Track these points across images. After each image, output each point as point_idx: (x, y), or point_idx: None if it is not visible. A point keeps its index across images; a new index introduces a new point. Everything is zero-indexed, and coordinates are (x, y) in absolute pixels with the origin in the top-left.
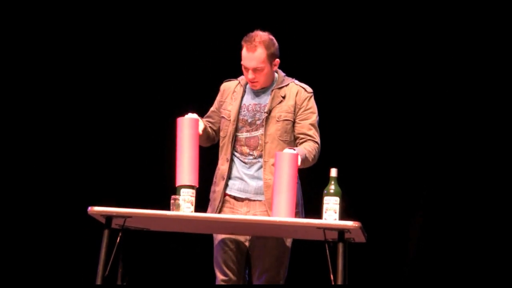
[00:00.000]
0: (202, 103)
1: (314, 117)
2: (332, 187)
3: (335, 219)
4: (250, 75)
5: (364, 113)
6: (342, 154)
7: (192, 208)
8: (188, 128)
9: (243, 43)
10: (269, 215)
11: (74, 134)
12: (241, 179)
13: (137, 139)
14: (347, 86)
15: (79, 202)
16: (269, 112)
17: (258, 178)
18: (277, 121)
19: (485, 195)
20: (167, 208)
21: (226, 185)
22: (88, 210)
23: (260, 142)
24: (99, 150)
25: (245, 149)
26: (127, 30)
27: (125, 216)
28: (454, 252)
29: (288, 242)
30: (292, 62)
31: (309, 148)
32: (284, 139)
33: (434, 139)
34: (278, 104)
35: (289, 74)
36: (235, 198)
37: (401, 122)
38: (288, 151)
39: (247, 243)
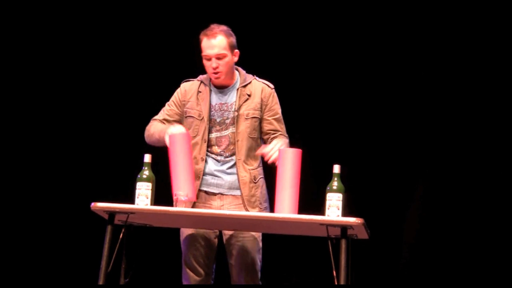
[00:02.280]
0: None
1: (279, 112)
2: (335, 183)
3: (338, 216)
4: (214, 63)
5: (368, 110)
6: (345, 151)
7: (148, 201)
8: (181, 144)
9: (201, 35)
10: (246, 209)
11: (77, 130)
12: (213, 175)
13: (141, 135)
14: (348, 84)
15: (82, 198)
16: (238, 109)
17: (231, 174)
18: (246, 119)
19: (485, 190)
20: (170, 204)
21: (201, 185)
22: (91, 206)
23: (230, 141)
24: (103, 146)
25: (215, 149)
26: (128, 30)
27: (128, 212)
28: (453, 248)
29: (259, 237)
30: (291, 60)
31: (280, 141)
32: (252, 136)
33: (434, 135)
34: (244, 102)
35: (294, 71)
36: (206, 192)
37: (402, 119)
38: (280, 145)
39: (216, 240)
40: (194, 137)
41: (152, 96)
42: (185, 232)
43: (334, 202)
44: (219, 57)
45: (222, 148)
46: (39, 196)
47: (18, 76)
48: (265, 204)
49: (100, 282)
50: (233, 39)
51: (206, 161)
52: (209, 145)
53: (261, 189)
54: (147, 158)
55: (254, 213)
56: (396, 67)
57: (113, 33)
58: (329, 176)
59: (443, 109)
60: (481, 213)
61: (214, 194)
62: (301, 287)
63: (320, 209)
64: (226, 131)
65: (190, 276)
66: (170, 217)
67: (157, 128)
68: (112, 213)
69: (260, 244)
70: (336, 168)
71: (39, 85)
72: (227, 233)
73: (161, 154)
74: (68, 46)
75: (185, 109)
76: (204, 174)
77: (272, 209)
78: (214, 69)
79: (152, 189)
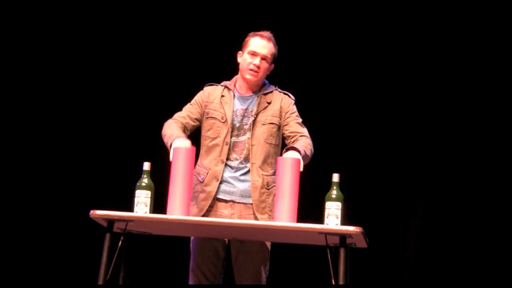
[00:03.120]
0: None
1: (300, 120)
2: (334, 192)
3: (337, 224)
4: (257, 61)
5: (367, 119)
6: (344, 160)
7: (147, 209)
8: (184, 159)
9: (253, 34)
10: (254, 216)
11: (76, 137)
12: (227, 182)
13: (140, 143)
14: (348, 94)
15: (82, 205)
16: (256, 116)
17: (244, 181)
18: (263, 124)
19: (481, 199)
20: None
21: (218, 189)
22: (90, 213)
23: (246, 146)
24: (102, 154)
25: (232, 154)
26: (130, 30)
27: (127, 220)
28: (452, 256)
29: (268, 244)
30: (291, 69)
31: (305, 144)
32: (269, 142)
33: (433, 145)
34: (263, 109)
35: (292, 80)
36: (218, 199)
37: (401, 129)
38: (290, 155)
39: (225, 249)
40: (215, 138)
41: (152, 104)
42: (195, 240)
43: (333, 211)
44: (264, 58)
45: (238, 153)
46: (38, 203)
47: (17, 85)
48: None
49: None
50: (276, 51)
51: (225, 166)
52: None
53: (273, 197)
54: (146, 166)
55: (252, 221)
56: (396, 77)
57: (111, 41)
58: (328, 184)
59: (443, 119)
60: (481, 224)
61: (226, 201)
62: None
63: (319, 218)
64: (243, 136)
65: (196, 282)
66: (169, 225)
67: (170, 131)
68: (111, 221)
69: (268, 255)
70: (335, 177)
71: (39, 92)
72: (234, 241)
73: (161, 162)
74: (67, 52)
75: (207, 110)
76: (221, 181)
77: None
78: (256, 66)
79: (151, 197)
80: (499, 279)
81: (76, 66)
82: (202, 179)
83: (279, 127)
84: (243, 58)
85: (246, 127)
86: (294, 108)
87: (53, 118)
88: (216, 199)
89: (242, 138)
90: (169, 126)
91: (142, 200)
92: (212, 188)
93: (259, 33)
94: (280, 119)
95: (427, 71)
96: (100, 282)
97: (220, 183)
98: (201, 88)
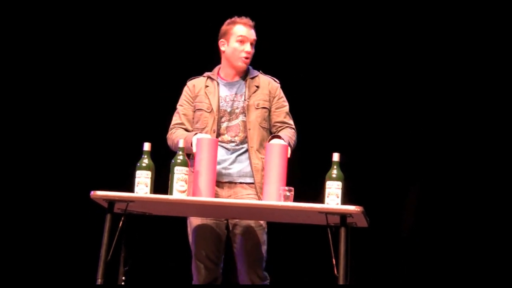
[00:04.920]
0: None
1: (287, 105)
2: (334, 171)
3: (338, 204)
4: (248, 47)
5: (366, 99)
6: (345, 139)
7: (147, 189)
8: (207, 150)
9: (235, 21)
10: (258, 196)
11: (77, 119)
12: (222, 163)
13: (141, 123)
14: (346, 74)
15: (82, 186)
16: (248, 99)
17: (240, 162)
18: (256, 108)
19: (482, 180)
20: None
21: None
22: (90, 194)
23: (241, 129)
24: (102, 135)
25: (226, 137)
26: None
27: (127, 201)
28: (450, 237)
29: (264, 223)
30: (291, 51)
31: (289, 134)
32: (263, 126)
33: (431, 127)
34: (253, 93)
35: (291, 64)
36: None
37: (402, 107)
38: (277, 141)
39: (226, 230)
40: (203, 129)
41: (150, 87)
42: (194, 223)
43: (333, 190)
44: (252, 44)
45: (232, 136)
46: (38, 185)
47: (18, 69)
48: None
49: (100, 271)
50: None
51: None
52: (219, 135)
53: None
54: (147, 146)
55: (251, 201)
56: (395, 64)
57: (112, 28)
58: (329, 164)
59: (441, 101)
60: (478, 203)
61: (223, 183)
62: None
63: (319, 197)
64: (236, 120)
65: (200, 267)
66: (169, 206)
67: (180, 135)
68: (111, 202)
69: (265, 235)
70: (336, 156)
71: (38, 74)
72: (232, 222)
73: (161, 143)
74: (67, 39)
75: (194, 103)
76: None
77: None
78: (248, 52)
79: (151, 178)
80: (495, 259)
81: (75, 52)
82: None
83: (270, 112)
84: (232, 47)
85: (238, 111)
86: (282, 93)
87: (53, 102)
88: None
89: (236, 122)
90: (175, 134)
91: (143, 180)
92: None
93: (240, 19)
94: (270, 103)
95: (421, 58)
96: (101, 263)
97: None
98: (185, 80)
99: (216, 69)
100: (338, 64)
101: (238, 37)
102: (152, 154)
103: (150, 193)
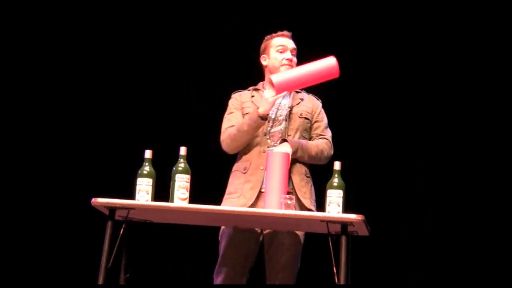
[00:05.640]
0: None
1: (326, 121)
2: (335, 180)
3: (339, 212)
4: (288, 55)
5: (367, 107)
6: (345, 148)
7: (148, 196)
8: (280, 163)
9: (274, 36)
10: (297, 197)
11: (78, 126)
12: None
13: (143, 131)
14: (347, 82)
15: (83, 193)
16: (291, 108)
17: None
18: (299, 117)
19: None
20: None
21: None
22: (91, 201)
23: (282, 135)
24: (103, 142)
25: (269, 142)
26: (127, 28)
27: (128, 208)
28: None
29: (302, 239)
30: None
31: (315, 142)
32: (304, 136)
33: (432, 131)
34: (297, 104)
35: None
36: (261, 192)
37: (401, 118)
38: (279, 148)
39: (259, 239)
40: None
41: (152, 95)
42: (226, 232)
43: (334, 199)
44: (292, 52)
45: (274, 141)
46: (39, 191)
47: (19, 72)
48: (313, 202)
49: (100, 278)
50: None
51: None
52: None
53: (310, 186)
54: (148, 154)
55: (253, 209)
56: (395, 63)
57: (114, 35)
58: (330, 172)
59: (440, 107)
60: (478, 207)
61: (261, 192)
62: None
63: (320, 205)
64: (279, 126)
65: (224, 272)
66: (170, 213)
67: (239, 124)
68: (112, 209)
69: (300, 249)
70: (337, 165)
71: (40, 80)
72: (267, 234)
73: (162, 150)
74: (68, 43)
75: (243, 108)
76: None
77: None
78: (289, 60)
79: (152, 185)
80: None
81: (75, 57)
82: (245, 170)
83: (311, 125)
84: (273, 58)
85: (280, 118)
86: (322, 110)
87: (54, 108)
88: (263, 192)
89: (277, 128)
90: (233, 128)
91: (144, 188)
92: (258, 177)
93: (277, 33)
94: (312, 116)
95: (423, 56)
96: (102, 270)
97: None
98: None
99: (260, 84)
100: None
101: (278, 47)
102: (153, 162)
103: (151, 200)
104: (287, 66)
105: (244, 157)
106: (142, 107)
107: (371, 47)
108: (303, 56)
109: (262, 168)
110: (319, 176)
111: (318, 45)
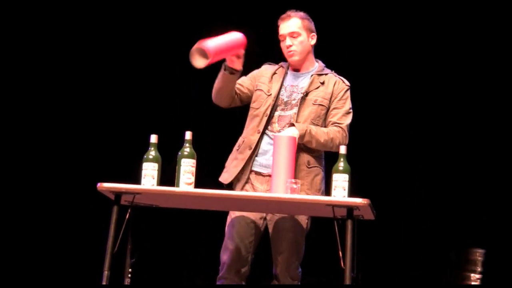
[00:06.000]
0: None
1: (347, 107)
2: (341, 164)
3: (344, 196)
4: (287, 41)
5: (373, 93)
6: (351, 132)
7: (154, 181)
8: (287, 147)
9: (278, 21)
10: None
11: (84, 110)
12: (265, 154)
13: (148, 116)
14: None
15: (89, 178)
16: (306, 94)
17: None
18: (313, 104)
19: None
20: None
21: (251, 159)
22: (97, 186)
23: (291, 121)
24: (109, 127)
25: (275, 126)
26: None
27: (134, 193)
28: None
29: (304, 223)
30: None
31: (326, 129)
32: (316, 123)
33: (432, 120)
34: (316, 88)
35: None
36: (256, 173)
37: (407, 101)
38: (286, 132)
39: (263, 223)
40: (257, 109)
41: (157, 80)
42: (234, 213)
43: (340, 183)
44: (292, 36)
45: (282, 126)
46: (46, 177)
47: (22, 63)
48: (314, 193)
49: (106, 263)
50: (309, 22)
51: (261, 141)
52: (270, 122)
53: (313, 177)
54: (153, 138)
55: (257, 193)
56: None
57: (118, 23)
58: (335, 157)
59: (440, 107)
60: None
61: (263, 175)
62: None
63: (326, 189)
64: (290, 111)
65: (229, 246)
66: (176, 198)
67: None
68: (118, 194)
69: (303, 232)
70: (342, 149)
71: (46, 69)
72: (271, 219)
73: (168, 135)
74: (71, 32)
75: (257, 83)
76: (257, 156)
77: None
78: (288, 47)
79: (158, 170)
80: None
81: (82, 45)
82: (238, 147)
83: (328, 111)
84: (281, 47)
85: (294, 102)
86: (346, 95)
87: (60, 93)
88: (253, 172)
89: (289, 113)
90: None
91: (149, 172)
92: (244, 156)
93: (281, 17)
94: (330, 102)
95: (428, 57)
96: (108, 255)
97: (256, 155)
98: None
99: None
100: (346, 61)
101: (280, 37)
102: (159, 146)
103: (157, 185)
104: (289, 54)
105: (244, 134)
106: (148, 92)
107: (378, 45)
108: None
109: (251, 148)
110: (326, 160)
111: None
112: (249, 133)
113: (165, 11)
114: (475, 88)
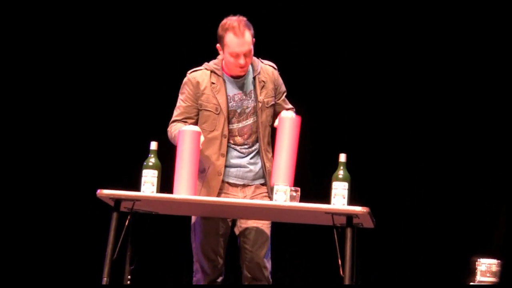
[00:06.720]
0: None
1: (284, 88)
2: (341, 172)
3: (344, 204)
4: (242, 60)
5: (373, 100)
6: (351, 140)
7: (153, 188)
8: (190, 142)
9: (226, 31)
10: (270, 198)
11: (84, 117)
12: (238, 167)
13: (148, 122)
14: (353, 77)
15: (89, 185)
16: (258, 100)
17: (255, 163)
18: (267, 107)
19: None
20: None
21: (223, 181)
22: (97, 193)
23: (253, 130)
24: (109, 133)
25: (239, 139)
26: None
27: (133, 199)
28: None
29: (267, 230)
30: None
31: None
32: (270, 124)
33: (431, 128)
34: (262, 89)
35: (298, 62)
36: (229, 183)
37: (407, 109)
38: (288, 114)
39: (229, 229)
40: (212, 131)
41: (157, 86)
42: (198, 222)
43: (339, 191)
44: (246, 54)
45: (245, 138)
46: (45, 183)
47: (23, 67)
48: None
49: (106, 269)
50: (252, 29)
51: (227, 154)
52: (231, 137)
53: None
54: (153, 145)
55: (258, 201)
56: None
57: (118, 27)
58: (335, 164)
59: (440, 107)
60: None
61: (237, 185)
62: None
63: (326, 197)
64: (247, 121)
65: (204, 263)
66: (175, 205)
67: (178, 128)
68: (118, 200)
69: (269, 233)
70: (342, 157)
71: (45, 74)
72: (238, 222)
73: (168, 142)
74: (72, 38)
75: (200, 102)
76: (228, 167)
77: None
78: (243, 65)
79: (158, 177)
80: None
81: (82, 49)
82: (204, 172)
83: (274, 104)
84: (227, 58)
85: (248, 111)
86: (280, 79)
87: (60, 98)
88: (227, 183)
89: (247, 122)
90: (175, 127)
91: (149, 179)
92: (215, 183)
93: (231, 28)
94: (275, 96)
95: (428, 57)
96: (107, 261)
97: (229, 168)
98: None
99: (219, 62)
100: (344, 65)
101: (231, 52)
102: (159, 153)
103: (157, 192)
104: (239, 70)
105: (206, 153)
106: (148, 99)
107: (378, 45)
108: (303, 55)
109: (220, 173)
110: (325, 168)
111: (319, 45)
112: (213, 158)
113: (165, 19)
114: (474, 93)
